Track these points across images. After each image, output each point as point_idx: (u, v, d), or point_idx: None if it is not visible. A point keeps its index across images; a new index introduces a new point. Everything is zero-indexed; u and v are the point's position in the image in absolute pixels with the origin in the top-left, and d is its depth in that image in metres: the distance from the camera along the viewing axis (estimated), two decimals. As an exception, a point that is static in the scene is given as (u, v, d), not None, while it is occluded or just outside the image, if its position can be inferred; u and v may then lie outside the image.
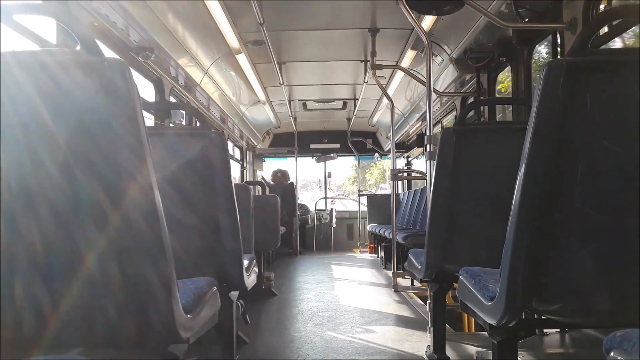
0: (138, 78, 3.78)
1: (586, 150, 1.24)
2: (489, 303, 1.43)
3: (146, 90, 4.03)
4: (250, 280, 2.38)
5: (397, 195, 6.46)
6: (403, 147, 8.52)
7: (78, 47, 1.16)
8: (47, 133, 1.15)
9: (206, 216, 2.13)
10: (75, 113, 1.16)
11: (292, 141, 9.05)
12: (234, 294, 2.30)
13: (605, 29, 2.77)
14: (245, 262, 2.29)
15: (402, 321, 3.50)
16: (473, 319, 3.59)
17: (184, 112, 4.32)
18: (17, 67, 1.13)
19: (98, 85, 1.14)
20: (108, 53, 3.52)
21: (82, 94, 1.15)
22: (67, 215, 1.18)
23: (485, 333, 1.59)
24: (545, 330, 2.69)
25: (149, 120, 3.92)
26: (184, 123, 4.31)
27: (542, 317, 1.52)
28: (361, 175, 12.79)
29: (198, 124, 2.27)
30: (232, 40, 4.50)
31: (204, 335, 1.62)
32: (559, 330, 2.72)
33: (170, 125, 4.02)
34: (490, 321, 1.45)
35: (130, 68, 1.18)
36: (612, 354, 0.82)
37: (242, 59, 5.03)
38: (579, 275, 1.28)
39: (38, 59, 1.17)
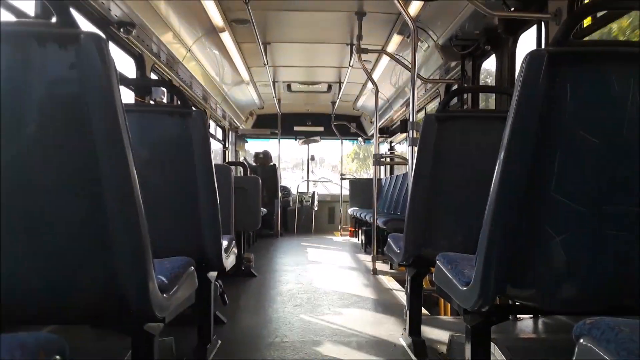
0: (119, 53, 3.69)
1: (564, 140, 1.26)
2: (464, 288, 1.45)
3: (127, 66, 3.95)
4: (229, 261, 2.37)
5: (379, 180, 6.49)
6: (387, 132, 8.55)
7: (54, 20, 1.13)
8: (22, 106, 1.12)
9: (185, 196, 2.11)
10: (50, 86, 1.14)
11: (275, 123, 9.00)
12: (213, 275, 2.30)
13: (590, 20, 2.80)
14: (225, 243, 2.28)
15: (379, 305, 3.54)
16: (449, 304, 3.66)
17: (165, 89, 4.25)
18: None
19: (74, 58, 1.12)
20: (88, 27, 3.42)
21: (58, 67, 1.12)
22: (40, 190, 1.15)
23: (460, 317, 1.62)
24: (518, 315, 2.75)
25: (129, 96, 3.84)
26: (165, 101, 4.24)
27: (516, 303, 1.55)
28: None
29: (179, 102, 2.23)
30: (216, 18, 4.42)
31: (181, 315, 1.62)
32: (531, 315, 2.79)
33: (151, 102, 3.94)
34: (465, 306, 1.47)
35: (110, 43, 1.15)
36: (581, 340, 0.84)
37: (226, 38, 4.94)
38: (552, 262, 1.31)
39: (12, 30, 1.14)
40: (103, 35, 1.15)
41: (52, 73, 1.13)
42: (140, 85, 3.75)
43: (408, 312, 2.53)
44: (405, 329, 2.62)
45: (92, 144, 1.14)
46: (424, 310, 2.80)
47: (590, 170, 1.26)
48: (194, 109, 2.16)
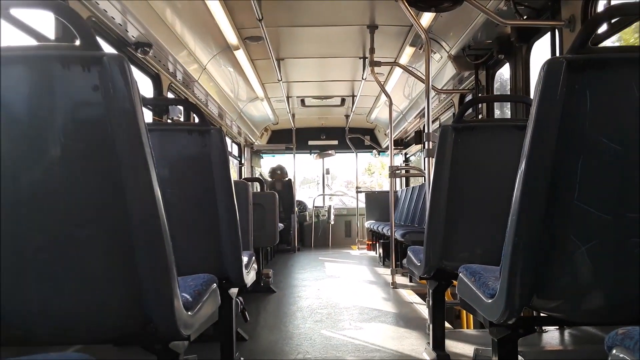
0: (136, 74, 3.76)
1: (586, 148, 1.24)
2: (489, 300, 1.43)
3: (144, 86, 4.02)
4: (250, 277, 2.38)
5: (395, 192, 6.46)
6: (401, 144, 8.53)
7: (77, 42, 1.16)
8: (47, 128, 1.14)
9: (205, 213, 2.13)
10: (74, 108, 1.16)
11: (290, 138, 9.05)
12: (234, 291, 2.30)
13: (605, 26, 2.78)
14: (245, 259, 2.29)
15: (401, 319, 3.50)
16: (472, 316, 3.61)
17: (182, 108, 4.31)
18: (16, 62, 1.12)
19: (97, 80, 1.14)
20: (106, 48, 3.49)
21: (81, 89, 1.14)
22: (68, 212, 1.17)
23: (484, 330, 1.60)
24: (544, 328, 2.70)
25: (147, 116, 3.91)
26: (181, 119, 4.30)
27: (542, 315, 1.52)
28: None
29: (196, 120, 2.26)
30: (231, 36, 4.49)
31: (204, 332, 1.62)
32: (558, 327, 2.73)
33: (169, 121, 4.01)
34: (491, 318, 1.45)
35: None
36: (614, 351, 0.82)
37: (240, 55, 5.01)
38: (578, 272, 1.29)
39: (37, 53, 1.17)
40: (124, 57, 1.17)
41: (76, 95, 1.15)
42: (158, 105, 3.82)
43: (431, 326, 2.50)
44: (428, 343, 2.58)
45: (117, 165, 1.15)
46: (446, 324, 2.76)
47: (613, 177, 1.25)
48: (212, 126, 2.19)
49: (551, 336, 2.51)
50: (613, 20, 2.72)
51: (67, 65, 1.14)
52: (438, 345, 2.44)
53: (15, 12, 2.19)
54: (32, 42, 2.41)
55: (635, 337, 0.79)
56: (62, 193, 1.17)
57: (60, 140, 1.15)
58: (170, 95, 4.36)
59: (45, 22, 2.52)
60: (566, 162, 1.24)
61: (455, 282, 1.89)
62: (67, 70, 1.14)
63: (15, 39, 2.33)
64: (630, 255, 1.24)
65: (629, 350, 0.79)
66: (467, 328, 3.96)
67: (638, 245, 1.23)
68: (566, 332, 2.59)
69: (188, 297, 1.42)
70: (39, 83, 1.14)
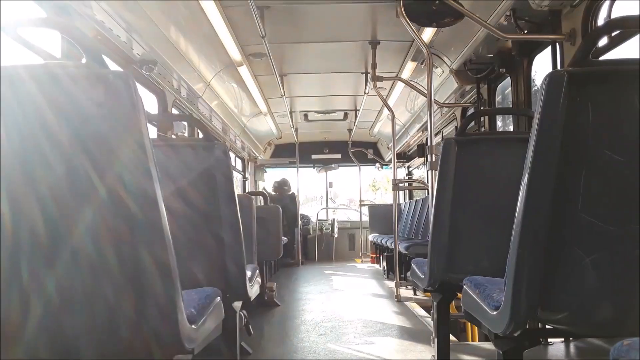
0: (141, 90, 3.79)
1: (589, 160, 1.25)
2: (494, 312, 1.43)
3: (149, 102, 4.06)
4: (254, 290, 2.38)
5: (399, 205, 6.46)
6: (404, 157, 8.55)
7: (83, 60, 1.18)
8: (53, 145, 1.15)
9: (210, 227, 2.14)
10: (80, 125, 1.17)
11: (293, 152, 9.07)
12: (238, 305, 2.30)
13: (605, 39, 2.80)
14: (249, 273, 2.29)
15: (405, 332, 3.48)
16: (477, 329, 3.58)
17: (186, 123, 4.35)
18: (22, 81, 1.14)
19: (103, 97, 1.15)
20: (111, 66, 3.53)
21: (87, 107, 1.16)
22: (72, 227, 1.18)
23: (489, 343, 1.59)
24: (550, 340, 2.68)
25: (152, 132, 3.94)
26: (186, 134, 4.33)
27: (547, 327, 1.52)
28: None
29: (200, 135, 2.28)
30: (234, 53, 4.54)
31: (208, 346, 1.62)
32: (563, 339, 2.71)
33: (173, 136, 4.04)
34: (496, 330, 1.44)
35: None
36: (619, 362, 0.82)
37: (244, 71, 5.06)
38: (583, 284, 1.28)
39: (43, 71, 1.19)
40: (130, 74, 1.19)
41: (81, 111, 1.16)
42: (163, 121, 3.85)
43: (436, 339, 2.48)
44: (433, 356, 2.56)
45: (122, 180, 1.17)
46: (451, 337, 2.74)
47: (617, 188, 1.25)
48: (216, 141, 2.21)
49: (556, 348, 2.49)
50: (614, 34, 2.75)
51: (73, 83, 1.15)
52: (443, 358, 2.42)
53: (22, 31, 2.23)
54: (39, 60, 2.45)
55: (640, 348, 0.79)
56: (67, 209, 1.18)
57: (66, 156, 1.16)
58: (174, 111, 4.40)
59: (52, 40, 2.57)
60: (569, 173, 1.25)
61: (459, 295, 1.88)
62: (74, 88, 1.15)
63: (21, 57, 2.37)
64: (635, 266, 1.24)
65: (634, 361, 0.79)
66: (472, 340, 3.92)
67: (642, 257, 1.23)
68: (572, 345, 2.57)
69: (192, 310, 1.43)
70: (45, 100, 1.15)
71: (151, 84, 3.89)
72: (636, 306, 1.26)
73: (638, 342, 0.82)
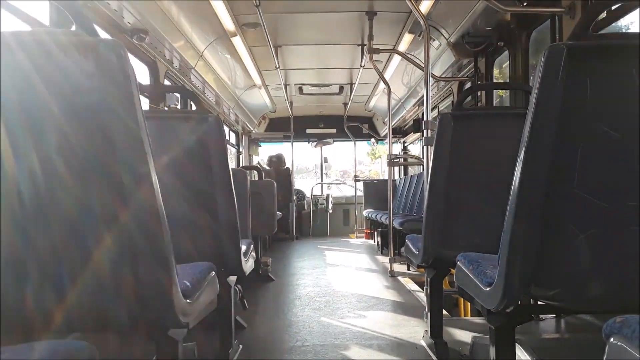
0: (132, 61, 3.72)
1: (586, 136, 1.24)
2: (487, 289, 1.44)
3: (140, 73, 3.99)
4: (248, 265, 2.38)
5: (394, 180, 6.46)
6: (400, 132, 8.52)
7: (73, 28, 1.14)
8: (42, 114, 1.13)
9: (204, 201, 2.12)
10: (71, 94, 1.14)
11: (288, 126, 9.01)
12: (232, 279, 2.31)
13: (604, 13, 2.76)
14: (243, 247, 2.29)
15: (398, 307, 3.53)
16: (470, 304, 3.63)
17: (178, 95, 4.28)
18: (9, 48, 1.10)
19: (94, 66, 1.12)
20: (101, 34, 3.44)
21: (77, 75, 1.13)
22: (64, 198, 1.16)
23: (482, 318, 1.61)
24: (541, 316, 2.71)
25: (144, 103, 3.88)
26: (178, 106, 4.27)
27: (540, 303, 1.53)
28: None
29: (193, 108, 2.24)
30: (228, 23, 4.44)
31: (202, 320, 1.63)
32: (555, 315, 2.75)
33: (165, 108, 3.98)
34: (488, 306, 1.45)
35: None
36: (612, 339, 0.83)
37: (238, 42, 4.97)
38: (576, 260, 1.29)
39: (32, 39, 1.15)
40: (121, 43, 1.16)
41: (72, 82, 1.13)
42: (155, 92, 3.79)
43: (429, 314, 2.51)
44: (426, 330, 2.60)
45: (114, 152, 1.14)
46: (444, 312, 2.77)
47: (613, 165, 1.24)
48: (209, 114, 2.17)
49: (549, 324, 2.53)
50: (614, 7, 2.70)
51: (62, 51, 1.12)
52: (436, 332, 2.46)
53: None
54: (26, 28, 2.38)
55: (633, 325, 0.80)
56: (59, 181, 1.16)
57: (57, 127, 1.14)
58: (166, 82, 4.32)
59: (39, 8, 2.49)
60: (566, 149, 1.23)
61: (453, 271, 1.89)
62: (63, 56, 1.12)
63: (7, 25, 2.30)
64: (628, 243, 1.24)
65: (626, 338, 0.79)
66: (465, 316, 3.98)
67: (637, 234, 1.23)
68: (564, 320, 2.61)
69: (187, 285, 1.43)
70: (35, 69, 1.12)
71: (142, 54, 3.81)
72: (629, 283, 1.27)
73: (630, 318, 0.82)
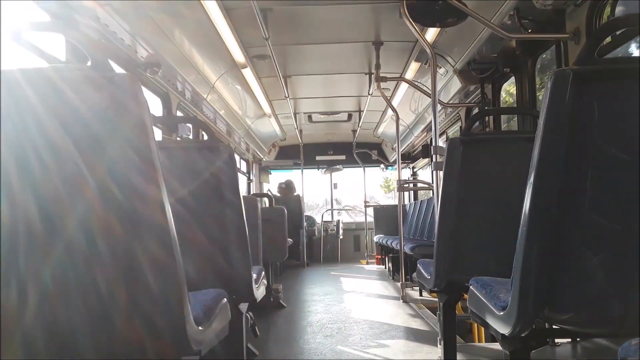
0: (145, 93, 3.80)
1: (595, 158, 1.24)
2: (501, 313, 1.43)
3: (153, 105, 4.08)
4: (260, 291, 2.38)
5: (404, 206, 6.45)
6: (408, 157, 8.53)
7: (88, 64, 1.18)
8: (58, 150, 1.16)
9: (215, 229, 2.14)
10: (86, 129, 1.17)
11: (297, 153, 9.08)
12: (244, 306, 2.30)
13: (609, 38, 2.79)
14: (254, 274, 2.29)
15: (411, 333, 3.47)
16: (483, 330, 3.56)
17: (190, 126, 4.36)
18: (27, 84, 1.15)
19: (109, 101, 1.15)
20: (116, 69, 3.54)
21: (92, 110, 1.16)
22: (79, 230, 1.19)
23: (496, 344, 1.58)
24: (557, 341, 2.66)
25: (157, 134, 3.95)
26: (190, 137, 4.34)
27: (555, 327, 1.51)
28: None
29: (205, 138, 2.29)
30: (238, 55, 4.55)
31: (214, 348, 1.62)
32: (570, 340, 2.69)
33: (178, 139, 4.05)
34: (503, 331, 1.44)
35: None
36: (628, 362, 0.82)
37: (248, 73, 5.08)
38: (591, 283, 1.28)
39: (48, 75, 1.19)
40: (135, 77, 1.20)
41: (88, 116, 1.16)
42: (168, 123, 3.87)
43: (442, 340, 2.47)
44: (440, 357, 2.56)
45: (128, 184, 1.17)
46: (458, 338, 2.73)
47: (623, 187, 1.24)
48: (221, 143, 2.21)
49: (564, 349, 2.48)
50: (618, 32, 2.74)
51: (78, 86, 1.16)
52: (449, 359, 2.41)
53: (26, 34, 2.24)
54: (43, 64, 2.47)
55: (649, 347, 0.79)
56: (74, 213, 1.18)
57: (72, 160, 1.17)
58: (179, 113, 4.41)
59: (56, 44, 2.58)
60: (576, 172, 1.24)
61: (466, 295, 1.88)
62: (79, 91, 1.16)
63: (25, 61, 2.38)
64: (642, 265, 1.23)
65: (643, 360, 0.79)
66: (479, 341, 3.90)
67: (650, 255, 1.22)
68: (579, 345, 2.56)
69: (199, 312, 1.43)
70: (50, 104, 1.15)
71: (155, 86, 3.90)
72: (643, 305, 1.26)
73: (646, 341, 0.81)
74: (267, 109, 6.64)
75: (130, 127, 1.16)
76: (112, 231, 1.20)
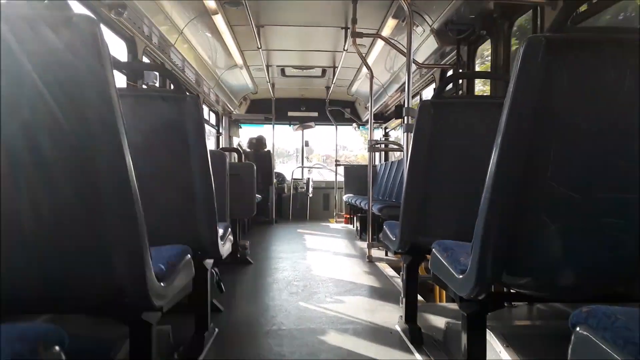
0: (110, 36, 3.62)
1: (560, 128, 1.25)
2: (460, 276, 1.46)
3: (118, 49, 3.88)
4: (225, 248, 2.37)
5: (374, 166, 6.48)
6: (381, 118, 8.52)
7: (46, 1, 1.10)
8: (13, 92, 1.08)
9: (180, 183, 2.09)
10: (40, 72, 1.09)
11: (269, 108, 8.93)
12: (209, 262, 2.30)
13: (585, 6, 2.78)
14: (220, 231, 2.27)
15: (375, 292, 3.56)
16: (444, 291, 3.69)
17: (157, 73, 4.19)
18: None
19: (66, 42, 1.08)
20: (78, 7, 3.35)
21: (48, 52, 1.09)
22: (34, 177, 1.13)
23: (455, 304, 1.63)
24: (513, 303, 2.77)
25: (121, 81, 3.79)
26: (157, 85, 4.18)
27: (511, 290, 1.56)
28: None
29: (172, 87, 2.20)
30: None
31: (178, 303, 1.61)
32: (527, 302, 2.81)
33: (143, 87, 3.89)
34: (461, 294, 1.48)
35: (102, 25, 1.12)
36: (578, 329, 0.85)
37: (219, 20, 4.87)
38: (547, 250, 1.31)
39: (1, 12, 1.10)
40: (95, 18, 1.12)
41: (43, 57, 1.09)
42: (133, 70, 3.70)
43: (404, 300, 2.54)
44: (401, 316, 2.64)
45: (86, 131, 1.11)
46: (419, 297, 2.81)
47: (586, 157, 1.26)
48: (188, 93, 2.13)
49: (520, 311, 2.58)
50: (594, 0, 2.72)
51: (34, 26, 1.07)
52: (410, 317, 2.50)
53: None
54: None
55: (598, 315, 0.81)
56: (30, 160, 1.12)
57: (27, 104, 1.10)
58: (145, 59, 4.22)
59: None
60: (541, 140, 1.25)
61: (429, 257, 1.91)
62: (35, 31, 1.08)
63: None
64: (598, 234, 1.27)
65: (591, 328, 0.81)
66: (440, 302, 4.05)
67: (607, 225, 1.26)
68: (535, 308, 2.67)
69: (161, 268, 1.41)
70: (5, 44, 1.07)
71: (120, 29, 3.70)
72: (597, 273, 1.30)
73: (596, 309, 0.84)
74: (238, 59, 6.43)
75: (89, 72, 1.10)
76: (70, 182, 1.15)
